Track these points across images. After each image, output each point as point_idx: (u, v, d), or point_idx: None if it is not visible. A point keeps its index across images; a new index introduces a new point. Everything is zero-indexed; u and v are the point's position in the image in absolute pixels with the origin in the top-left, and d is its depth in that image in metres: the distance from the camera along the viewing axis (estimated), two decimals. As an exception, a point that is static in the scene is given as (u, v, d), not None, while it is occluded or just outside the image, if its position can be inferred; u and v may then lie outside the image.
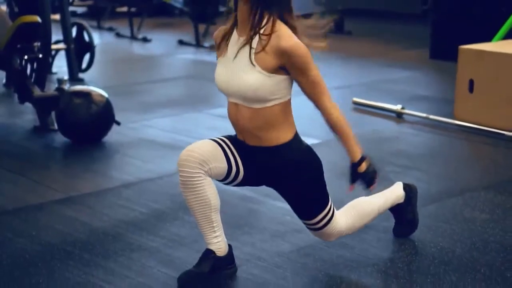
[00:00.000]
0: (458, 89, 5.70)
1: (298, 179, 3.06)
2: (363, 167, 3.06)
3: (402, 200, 3.49)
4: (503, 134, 5.23)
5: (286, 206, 3.91)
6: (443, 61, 7.82)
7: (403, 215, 3.51)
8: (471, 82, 5.58)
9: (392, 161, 4.75)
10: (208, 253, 3.07)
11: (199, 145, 2.99)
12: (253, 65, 2.88)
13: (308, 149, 3.10)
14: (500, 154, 4.95)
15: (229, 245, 3.15)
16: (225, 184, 3.12)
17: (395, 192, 3.49)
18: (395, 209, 3.50)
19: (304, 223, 3.22)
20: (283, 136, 2.99)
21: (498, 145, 5.12)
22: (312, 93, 2.96)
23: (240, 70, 2.92)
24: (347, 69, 7.95)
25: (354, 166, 3.07)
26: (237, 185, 3.12)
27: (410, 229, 3.53)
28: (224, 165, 3.00)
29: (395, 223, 3.55)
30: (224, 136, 3.09)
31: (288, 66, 2.88)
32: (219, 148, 3.00)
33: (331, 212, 3.17)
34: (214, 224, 3.05)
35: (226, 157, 3.00)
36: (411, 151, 4.97)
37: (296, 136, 3.05)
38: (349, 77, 7.51)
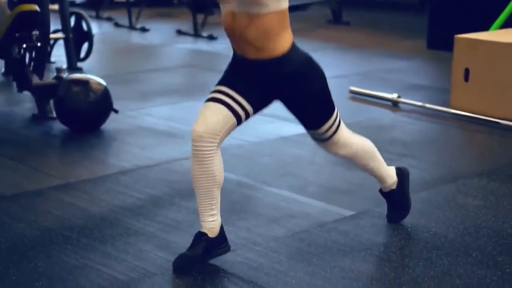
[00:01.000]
0: (453, 78, 5.74)
1: (303, 88, 3.07)
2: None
3: (394, 186, 3.53)
4: (498, 123, 5.27)
5: (282, 192, 3.98)
6: (440, 51, 7.85)
7: (395, 200, 3.55)
8: (467, 71, 5.62)
9: (387, 149, 4.79)
10: (200, 236, 3.13)
11: (208, 117, 3.02)
12: None
13: (308, 58, 3.11)
14: (495, 142, 5.00)
15: (221, 225, 3.19)
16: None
17: (389, 171, 3.52)
18: (387, 194, 3.55)
19: (313, 135, 3.27)
20: (281, 46, 3.00)
21: (492, 133, 5.17)
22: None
23: None
24: (344, 59, 7.98)
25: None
26: (253, 115, 3.15)
27: (402, 214, 3.58)
28: (233, 120, 3.05)
29: (388, 209, 3.60)
30: (221, 83, 3.10)
31: None
32: (225, 108, 3.03)
33: (337, 120, 3.23)
34: (213, 202, 3.11)
35: (232, 112, 3.04)
36: (406, 139, 5.01)
37: (294, 46, 3.05)
38: (347, 66, 7.55)
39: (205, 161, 3.03)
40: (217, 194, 3.10)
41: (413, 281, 3.02)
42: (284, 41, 3.02)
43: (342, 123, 3.28)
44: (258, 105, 3.13)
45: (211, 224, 3.12)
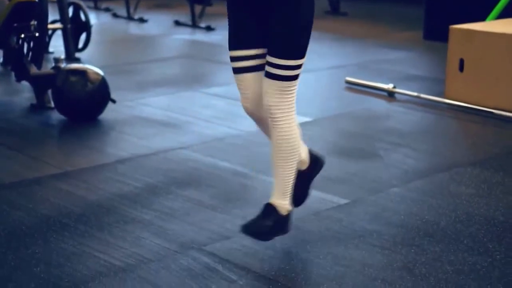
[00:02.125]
0: (448, 68, 5.78)
1: (289, 9, 2.97)
2: None
3: (304, 167, 3.42)
4: (492, 113, 5.32)
5: (277, 181, 4.01)
6: (437, 42, 7.90)
7: (298, 181, 3.36)
8: (461, 62, 5.66)
9: (382, 138, 4.84)
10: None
11: (247, 90, 3.15)
12: None
13: None
14: (488, 132, 5.05)
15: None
16: None
17: (302, 149, 3.36)
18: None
19: (270, 64, 3.02)
20: None
21: (486, 123, 5.22)
22: None
23: None
24: (341, 50, 8.02)
25: None
26: None
27: (300, 198, 3.47)
28: (262, 73, 3.08)
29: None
30: (232, 46, 3.10)
31: None
32: (250, 74, 3.10)
33: (300, 70, 3.06)
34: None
35: (258, 69, 3.09)
36: (401, 129, 5.06)
37: None
38: (343, 57, 7.59)
39: (273, 127, 3.09)
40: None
41: (405, 267, 3.07)
42: None
43: (296, 86, 3.09)
44: (265, 40, 3.06)
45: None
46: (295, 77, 3.04)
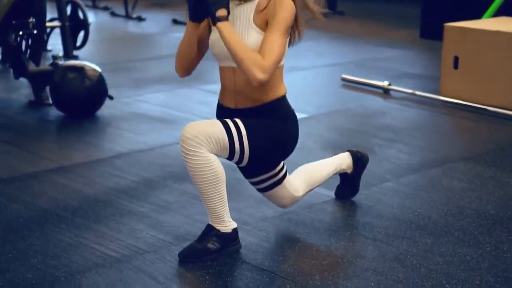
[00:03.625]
0: (443, 65, 5.84)
1: (265, 126, 3.07)
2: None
3: (350, 170, 3.68)
4: (486, 109, 5.38)
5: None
6: (433, 40, 7.94)
7: (348, 180, 3.71)
8: (456, 59, 5.71)
9: (377, 134, 4.89)
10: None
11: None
12: (252, 24, 2.99)
13: (291, 114, 3.16)
14: (482, 128, 5.10)
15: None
16: None
17: (344, 162, 3.65)
18: (341, 174, 3.71)
19: (253, 184, 3.37)
20: (272, 95, 3.08)
21: (480, 120, 5.27)
22: (261, 49, 2.96)
23: (238, 30, 2.99)
24: (338, 48, 8.07)
25: None
26: None
27: (349, 194, 3.74)
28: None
29: (340, 184, 3.75)
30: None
31: (269, 18, 2.97)
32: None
33: (278, 177, 3.31)
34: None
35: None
36: (396, 125, 5.11)
37: (284, 100, 3.14)
38: (340, 55, 7.64)
39: None
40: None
41: (396, 258, 3.12)
42: (277, 91, 3.11)
43: (285, 180, 3.34)
44: None
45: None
46: (230, 145, 3.02)
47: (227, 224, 3.11)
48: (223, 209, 3.08)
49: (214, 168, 2.98)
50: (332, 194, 3.80)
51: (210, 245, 3.08)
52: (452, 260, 3.11)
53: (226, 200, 3.08)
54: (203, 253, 3.08)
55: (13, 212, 3.59)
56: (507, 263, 3.08)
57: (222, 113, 3.19)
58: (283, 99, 3.14)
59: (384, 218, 3.55)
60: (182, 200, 3.73)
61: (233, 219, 3.47)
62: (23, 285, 2.88)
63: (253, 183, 3.37)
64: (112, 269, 3.02)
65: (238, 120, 3.04)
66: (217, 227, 3.10)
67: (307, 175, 3.50)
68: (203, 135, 2.94)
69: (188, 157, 2.97)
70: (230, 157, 3.06)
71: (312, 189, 3.55)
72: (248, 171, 3.31)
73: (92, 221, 3.49)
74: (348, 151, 3.72)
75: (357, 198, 3.77)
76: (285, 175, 3.36)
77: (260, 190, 3.39)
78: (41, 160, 4.34)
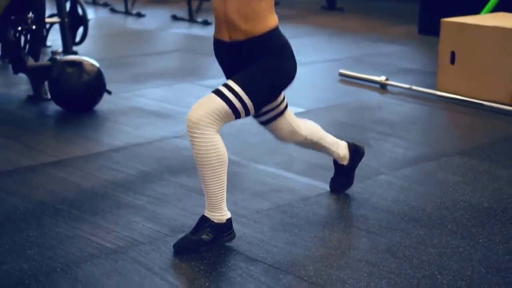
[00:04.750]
0: (440, 61, 5.86)
1: (263, 59, 3.10)
2: None
3: (345, 162, 3.72)
4: (482, 104, 5.40)
5: (268, 169, 4.11)
6: (431, 36, 7.96)
7: (342, 172, 3.75)
8: (453, 54, 5.74)
9: (373, 129, 4.92)
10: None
11: None
12: None
13: (284, 44, 3.16)
14: (477, 123, 5.12)
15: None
16: None
17: (341, 149, 3.69)
18: (337, 165, 3.74)
19: (254, 116, 3.37)
20: (263, 27, 3.09)
21: (476, 114, 5.30)
22: None
23: None
24: (337, 44, 8.09)
25: None
26: None
27: (343, 186, 3.77)
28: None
29: (334, 175, 3.78)
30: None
31: None
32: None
33: (279, 110, 3.34)
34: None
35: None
36: (392, 120, 5.14)
37: (277, 30, 3.14)
38: (339, 51, 7.66)
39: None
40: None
41: (389, 250, 3.15)
42: (268, 22, 3.12)
43: (285, 113, 3.38)
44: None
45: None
46: (232, 108, 3.06)
47: (223, 213, 3.15)
48: (221, 196, 3.14)
49: (219, 152, 3.07)
50: (327, 187, 3.83)
51: (204, 236, 3.11)
52: (445, 252, 3.14)
53: (225, 187, 3.14)
54: (198, 244, 3.11)
55: (10, 204, 3.62)
56: (499, 255, 3.12)
57: (219, 50, 3.22)
58: (275, 31, 3.14)
59: (378, 210, 3.58)
60: (178, 193, 3.76)
61: (229, 211, 3.51)
62: (20, 276, 2.91)
63: (255, 116, 3.37)
64: (108, 260, 3.05)
65: (230, 82, 3.08)
66: (212, 218, 3.13)
67: (310, 125, 3.55)
68: (206, 115, 3.01)
69: (195, 140, 3.04)
70: (238, 117, 3.13)
71: (309, 142, 3.55)
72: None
73: (89, 213, 3.52)
74: (346, 142, 3.75)
75: (351, 191, 3.80)
76: (286, 107, 3.39)
77: (262, 123, 3.42)
78: (39, 154, 4.37)
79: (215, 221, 3.14)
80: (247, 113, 3.13)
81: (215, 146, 3.05)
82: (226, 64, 3.24)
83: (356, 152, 3.75)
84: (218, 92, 3.07)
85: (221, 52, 3.22)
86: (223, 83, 3.12)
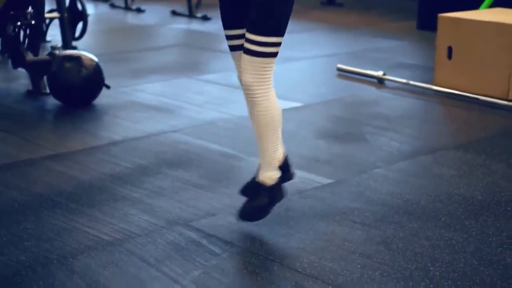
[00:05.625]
0: (437, 56, 5.89)
1: None
2: None
3: (271, 181, 3.32)
4: (477, 99, 5.43)
5: (265, 162, 4.12)
6: (430, 32, 7.97)
7: (260, 193, 3.34)
8: (450, 49, 5.77)
9: (369, 123, 4.95)
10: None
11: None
12: None
13: None
14: (473, 117, 5.15)
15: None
16: None
17: (279, 151, 3.35)
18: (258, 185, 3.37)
19: (248, 40, 3.09)
20: None
21: (472, 109, 5.32)
22: None
23: None
24: (335, 39, 8.12)
25: None
26: None
27: (256, 212, 3.33)
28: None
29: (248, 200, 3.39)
30: (224, 26, 3.26)
31: None
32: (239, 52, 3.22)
33: (275, 51, 3.12)
34: (279, 136, 3.29)
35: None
36: (389, 114, 5.17)
37: None
38: (337, 46, 7.69)
39: (258, 104, 3.19)
40: (280, 128, 3.28)
41: (383, 242, 3.18)
42: None
43: (274, 62, 3.16)
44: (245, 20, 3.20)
45: (279, 157, 3.35)
46: (272, 55, 3.12)
47: (276, 172, 3.31)
48: (277, 153, 3.29)
49: (278, 105, 3.20)
50: (322, 180, 3.87)
51: (264, 200, 3.28)
52: (438, 244, 3.17)
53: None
54: (261, 210, 3.28)
55: (8, 197, 3.65)
56: (492, 247, 3.15)
57: None
58: None
59: (373, 203, 3.61)
60: (175, 186, 3.79)
61: (224, 204, 3.56)
62: (17, 267, 2.95)
63: (252, 41, 3.10)
64: (104, 252, 3.08)
65: (250, 36, 3.07)
66: (267, 180, 3.29)
67: (275, 106, 3.23)
68: (255, 76, 3.11)
69: (256, 99, 3.15)
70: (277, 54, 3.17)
71: (261, 122, 3.23)
72: (262, 25, 3.10)
73: (86, 206, 3.55)
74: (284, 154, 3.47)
75: (347, 184, 3.83)
76: (276, 55, 3.16)
77: (251, 52, 3.10)
78: (38, 148, 4.40)
79: (270, 182, 3.28)
80: (280, 44, 3.15)
81: (274, 100, 3.19)
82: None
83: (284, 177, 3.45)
84: (250, 52, 3.09)
85: None
86: (245, 38, 3.10)
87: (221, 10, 3.30)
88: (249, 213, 3.29)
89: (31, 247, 3.12)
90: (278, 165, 3.33)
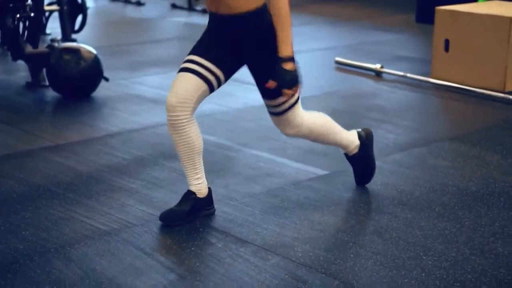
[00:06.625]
0: (434, 48, 5.92)
1: (267, 48, 3.16)
2: (289, 65, 3.14)
3: (356, 150, 3.64)
4: (474, 91, 5.46)
5: (261, 154, 4.17)
6: (428, 24, 8.00)
7: (360, 163, 3.68)
8: (447, 42, 5.80)
9: (366, 115, 4.98)
10: (189, 194, 3.32)
11: (180, 86, 3.18)
12: None
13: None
14: (469, 109, 5.19)
15: (209, 188, 3.38)
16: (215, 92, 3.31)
17: (350, 137, 3.62)
18: (352, 158, 3.67)
19: (268, 106, 3.33)
20: (251, 3, 3.11)
21: (468, 101, 5.36)
22: None
23: None
24: (334, 32, 8.15)
25: (280, 60, 3.13)
26: (225, 83, 3.30)
27: (368, 176, 3.72)
28: (205, 87, 3.19)
29: (354, 172, 3.72)
30: (192, 52, 3.23)
31: None
32: (195, 77, 3.17)
33: (296, 96, 3.30)
34: (197, 166, 3.29)
35: (204, 79, 3.17)
36: (385, 106, 5.20)
37: (265, 8, 3.16)
38: (335, 39, 7.71)
39: (180, 130, 3.19)
40: (198, 159, 3.27)
41: (376, 232, 3.22)
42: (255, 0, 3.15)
43: (299, 103, 3.38)
44: (228, 70, 3.25)
45: (198, 186, 3.31)
46: (294, 104, 3.33)
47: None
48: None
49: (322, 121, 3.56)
50: (318, 171, 3.90)
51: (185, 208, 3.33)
52: (431, 234, 3.21)
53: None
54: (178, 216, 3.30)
55: (7, 187, 3.69)
56: (484, 236, 3.18)
57: (212, 30, 3.25)
58: (264, 10, 3.15)
59: (368, 194, 3.64)
60: (172, 177, 3.83)
61: (220, 195, 3.59)
62: (15, 256, 2.99)
63: (272, 106, 3.33)
64: (101, 241, 3.12)
65: (267, 101, 3.32)
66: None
67: (323, 118, 3.53)
68: (295, 128, 3.44)
69: (302, 136, 3.50)
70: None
71: (316, 137, 3.52)
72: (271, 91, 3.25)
73: (84, 196, 3.59)
74: (354, 131, 3.69)
75: (342, 175, 3.86)
76: (297, 101, 3.37)
77: (276, 114, 3.35)
78: (37, 139, 4.44)
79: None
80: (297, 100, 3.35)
81: (312, 121, 3.48)
82: (213, 34, 3.24)
83: (367, 136, 3.69)
84: (276, 114, 3.34)
85: (212, 27, 3.25)
86: (266, 104, 3.34)
87: (203, 40, 3.27)
88: (165, 216, 3.30)
89: (29, 236, 3.16)
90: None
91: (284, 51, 3.12)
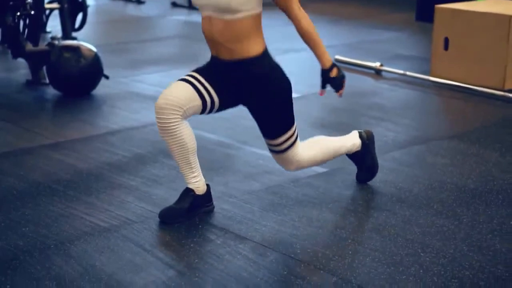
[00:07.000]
0: (434, 47, 5.93)
1: (267, 93, 3.23)
2: (334, 72, 3.33)
3: (359, 148, 3.69)
4: (474, 89, 5.48)
5: (261, 151, 4.18)
6: (428, 23, 8.00)
7: (362, 161, 3.72)
8: (446, 40, 5.81)
9: (366, 113, 5.00)
10: (188, 191, 3.33)
11: (172, 91, 3.19)
12: None
13: (277, 66, 3.26)
14: (468, 108, 5.20)
15: (208, 185, 3.40)
16: (205, 114, 3.33)
17: (351, 139, 3.67)
18: (354, 157, 3.71)
19: (268, 145, 3.40)
20: (253, 49, 3.16)
21: (468, 100, 5.37)
22: (283, 1, 3.20)
23: None
24: (334, 31, 8.16)
25: (325, 71, 3.33)
26: (217, 111, 3.32)
27: (370, 174, 3.75)
28: (198, 102, 3.20)
29: (357, 170, 3.76)
30: (195, 70, 3.28)
31: None
32: (191, 88, 3.20)
33: (295, 136, 3.37)
34: (192, 165, 3.30)
35: (199, 94, 3.20)
36: (385, 104, 5.21)
37: (266, 52, 3.21)
38: (336, 37, 7.72)
39: (171, 133, 3.22)
40: (193, 159, 3.29)
41: (374, 229, 3.23)
42: (255, 44, 3.18)
43: (298, 140, 3.41)
44: (225, 102, 3.28)
45: (196, 184, 3.33)
46: (294, 143, 3.37)
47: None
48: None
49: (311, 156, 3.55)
50: (317, 169, 3.91)
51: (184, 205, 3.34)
52: (429, 231, 3.22)
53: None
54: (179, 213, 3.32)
55: (7, 185, 3.70)
56: (482, 233, 3.20)
57: (214, 67, 3.26)
58: (265, 55, 3.20)
59: (367, 191, 3.66)
60: (172, 174, 3.84)
61: (219, 192, 3.61)
62: (15, 252, 3.00)
63: (273, 145, 3.39)
64: (101, 237, 3.14)
65: (267, 140, 3.41)
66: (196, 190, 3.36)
67: (320, 142, 3.57)
68: (296, 164, 3.48)
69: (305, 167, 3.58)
70: (294, 142, 3.44)
71: (319, 162, 3.57)
72: (273, 131, 3.36)
73: (84, 193, 3.60)
74: (354, 131, 3.75)
75: (341, 173, 3.87)
76: (296, 139, 3.42)
77: (276, 152, 3.40)
78: (37, 137, 4.46)
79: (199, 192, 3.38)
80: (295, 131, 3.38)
81: (308, 154, 3.52)
82: (216, 74, 3.27)
83: (368, 137, 3.72)
84: (277, 152, 3.39)
85: (214, 66, 3.27)
86: (266, 143, 3.42)
87: (208, 67, 3.29)
88: (165, 214, 3.31)
89: (29, 232, 3.17)
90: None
91: (326, 64, 3.34)
